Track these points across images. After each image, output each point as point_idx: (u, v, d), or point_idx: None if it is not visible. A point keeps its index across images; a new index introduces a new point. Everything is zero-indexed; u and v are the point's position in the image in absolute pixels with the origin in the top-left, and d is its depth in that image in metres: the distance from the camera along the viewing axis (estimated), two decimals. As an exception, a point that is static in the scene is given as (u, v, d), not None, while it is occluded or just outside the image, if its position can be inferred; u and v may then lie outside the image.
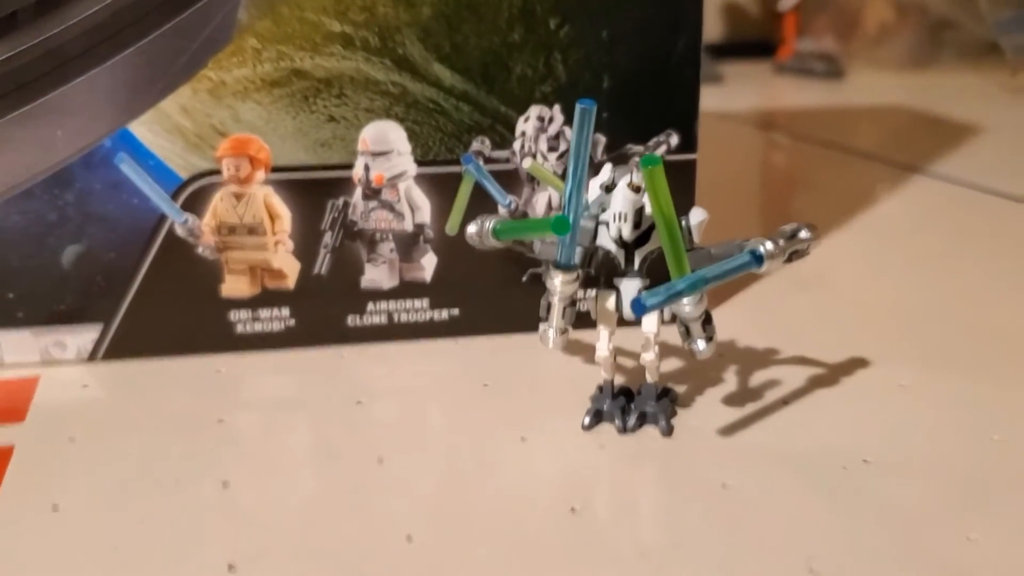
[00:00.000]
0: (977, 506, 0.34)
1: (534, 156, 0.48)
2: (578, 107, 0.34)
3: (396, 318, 0.49)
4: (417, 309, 0.49)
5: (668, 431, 0.40)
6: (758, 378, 0.45)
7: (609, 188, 0.38)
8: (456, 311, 0.49)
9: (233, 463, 0.38)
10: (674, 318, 0.38)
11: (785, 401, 0.42)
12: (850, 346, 0.48)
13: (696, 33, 0.47)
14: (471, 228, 0.40)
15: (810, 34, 1.62)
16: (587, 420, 0.40)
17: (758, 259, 0.36)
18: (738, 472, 0.37)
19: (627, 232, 0.38)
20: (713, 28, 1.76)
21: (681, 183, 0.49)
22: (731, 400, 0.42)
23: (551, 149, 0.48)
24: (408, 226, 0.48)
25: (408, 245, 0.48)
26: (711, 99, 1.39)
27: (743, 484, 0.36)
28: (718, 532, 0.33)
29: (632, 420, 0.40)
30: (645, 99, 0.48)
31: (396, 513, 0.34)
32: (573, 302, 0.38)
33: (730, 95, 1.45)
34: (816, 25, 1.62)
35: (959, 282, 0.59)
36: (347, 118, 0.46)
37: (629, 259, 0.39)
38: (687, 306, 0.36)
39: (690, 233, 0.38)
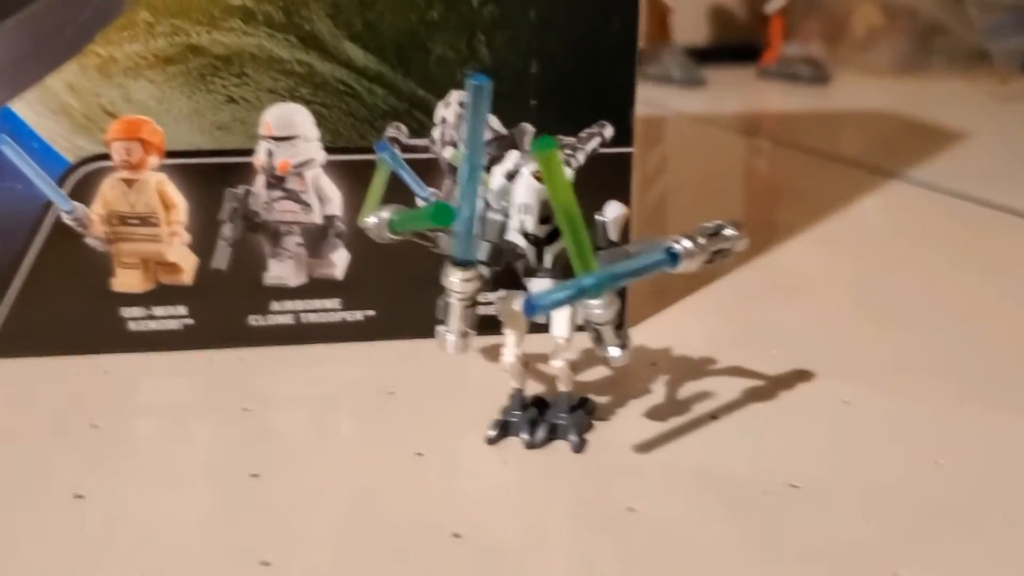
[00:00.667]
0: (910, 539, 0.30)
1: (455, 145, 0.44)
2: (470, 83, 0.30)
3: (304, 319, 0.45)
4: (327, 309, 0.45)
5: (579, 447, 0.36)
6: (689, 390, 0.41)
7: (512, 177, 0.34)
8: (371, 312, 0.45)
9: (91, 475, 0.34)
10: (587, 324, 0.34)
11: (714, 416, 0.39)
12: (798, 358, 0.44)
13: (632, 15, 0.44)
14: (370, 220, 0.36)
15: (797, 38, 1.58)
16: (492, 433, 0.36)
17: (673, 257, 0.32)
18: (648, 495, 0.33)
19: (531, 225, 0.34)
20: (698, 31, 1.72)
21: (616, 178, 0.45)
22: (656, 414, 0.39)
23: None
24: (316, 218, 0.44)
25: (317, 239, 0.44)
26: (694, 103, 1.37)
27: (651, 509, 0.32)
28: (616, 562, 0.29)
29: (541, 433, 0.36)
30: (577, 87, 0.44)
31: (254, 536, 0.31)
32: (474, 302, 0.35)
33: (713, 99, 1.42)
34: (803, 29, 1.58)
35: (931, 294, 0.55)
36: (248, 99, 0.42)
37: (540, 257, 0.35)
38: (596, 308, 0.33)
39: (605, 230, 0.35)
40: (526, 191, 0.33)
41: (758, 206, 0.84)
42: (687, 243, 0.32)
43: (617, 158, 0.45)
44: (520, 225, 0.34)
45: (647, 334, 0.47)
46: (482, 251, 0.35)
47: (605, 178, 0.44)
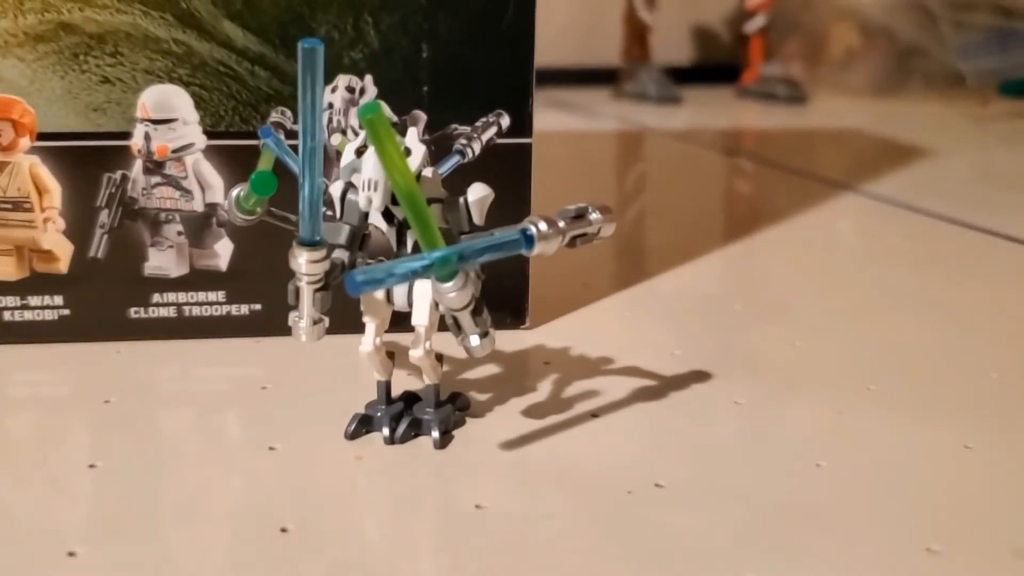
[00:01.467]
0: (771, 541, 0.28)
1: (344, 132, 0.42)
2: (301, 47, 0.28)
3: (187, 312, 0.43)
4: (211, 302, 0.43)
5: (441, 444, 0.34)
6: (576, 389, 0.39)
7: (361, 152, 0.32)
8: (257, 306, 0.44)
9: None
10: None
11: (595, 415, 0.36)
12: (699, 362, 0.42)
13: (528, -2, 0.42)
14: (224, 201, 0.34)
15: (776, 58, 1.57)
16: (351, 428, 0.34)
17: (528, 239, 0.30)
18: (500, 493, 0.31)
19: (378, 202, 0.32)
20: (677, 50, 1.71)
21: (514, 170, 0.43)
22: (534, 412, 0.37)
23: (362, 127, 0.42)
24: (198, 206, 0.42)
25: (199, 228, 0.42)
26: (672, 121, 1.35)
27: (500, 507, 0.30)
28: (451, 558, 0.27)
29: (401, 428, 0.34)
30: (472, 73, 0.42)
31: (71, 525, 0.28)
32: (326, 285, 0.33)
33: (691, 117, 1.40)
34: (782, 49, 1.57)
35: (858, 300, 0.53)
36: (123, 80, 0.40)
37: (401, 240, 0.33)
38: (449, 292, 0.31)
39: (468, 212, 0.33)
40: (374, 167, 0.32)
41: (734, 222, 0.83)
42: (543, 225, 0.30)
43: (515, 148, 0.43)
44: (367, 202, 0.32)
45: (550, 335, 0.45)
46: (341, 234, 0.33)
47: (503, 169, 0.43)
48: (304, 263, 0.31)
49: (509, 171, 0.43)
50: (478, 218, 0.33)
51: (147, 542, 0.28)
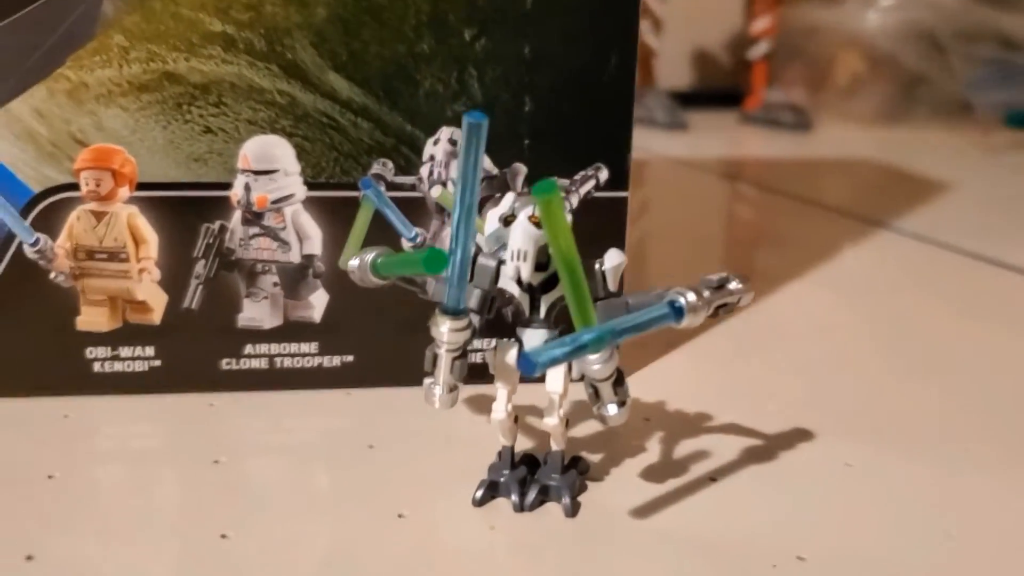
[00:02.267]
0: (930, 621, 0.28)
1: (444, 184, 0.42)
2: (466, 121, 0.28)
3: (279, 363, 0.42)
4: (303, 354, 0.43)
5: (572, 511, 0.34)
6: (685, 449, 0.39)
7: (508, 221, 0.32)
8: (349, 358, 0.43)
9: (45, 531, 0.32)
10: (583, 376, 0.32)
11: (713, 478, 0.36)
12: (795, 416, 0.42)
13: (631, 52, 0.42)
14: (353, 262, 0.34)
15: (780, 84, 1.58)
16: (479, 494, 0.34)
17: (677, 312, 0.30)
18: (647, 567, 0.30)
19: (526, 273, 0.32)
20: (681, 75, 1.72)
21: (610, 223, 0.43)
22: (651, 474, 0.36)
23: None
24: (295, 257, 0.42)
25: (294, 279, 0.42)
26: (676, 146, 1.36)
27: (652, 584, 0.30)
28: (613, 645, 0.27)
29: (532, 496, 0.34)
30: (572, 126, 0.42)
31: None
32: (464, 353, 0.32)
33: (696, 143, 1.41)
34: (786, 76, 1.58)
35: (921, 347, 0.53)
36: (226, 130, 0.40)
37: (534, 306, 0.33)
38: (595, 364, 0.30)
39: (604, 279, 0.32)
40: (523, 237, 0.31)
41: (740, 251, 0.83)
42: (692, 296, 0.30)
43: (612, 202, 0.43)
44: (515, 272, 0.32)
45: (638, 386, 0.44)
46: (473, 298, 0.32)
47: (599, 222, 0.43)
48: (447, 332, 0.31)
49: (605, 223, 0.43)
50: (613, 285, 0.33)
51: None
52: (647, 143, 1.33)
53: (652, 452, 0.38)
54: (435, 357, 0.32)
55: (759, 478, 0.37)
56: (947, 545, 0.32)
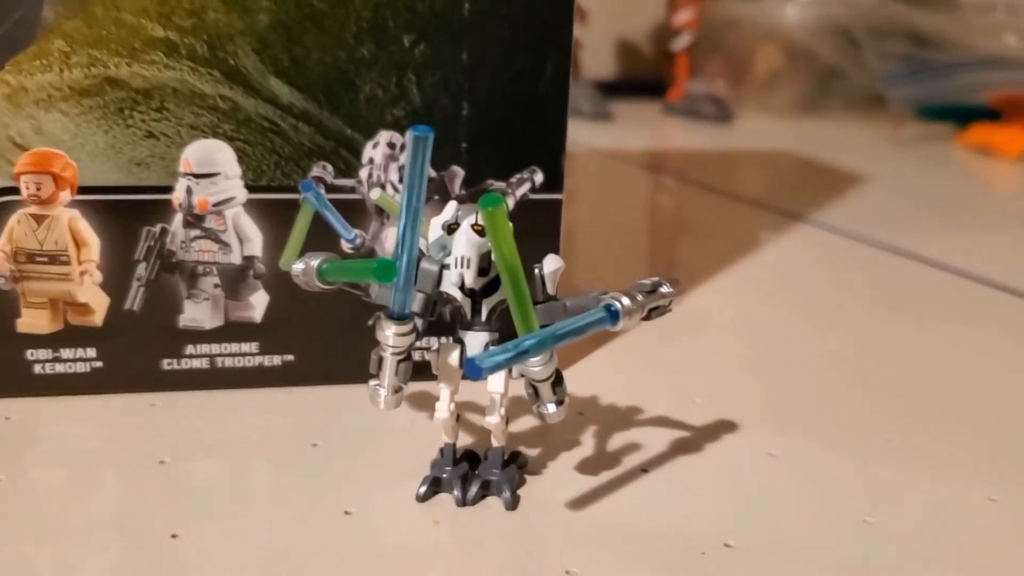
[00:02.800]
0: (846, 602, 0.30)
1: (383, 187, 0.43)
2: (411, 134, 0.29)
3: (220, 363, 0.43)
4: (245, 353, 0.43)
5: (512, 504, 0.35)
6: (618, 441, 0.40)
7: (452, 228, 0.33)
8: (290, 357, 0.44)
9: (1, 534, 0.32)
10: (521, 375, 0.34)
11: (644, 470, 0.38)
12: (721, 407, 0.44)
13: (564, 59, 0.43)
14: (296, 266, 0.35)
15: (701, 76, 1.61)
16: (422, 490, 0.35)
17: (613, 315, 0.32)
18: (585, 556, 0.32)
19: (470, 279, 0.33)
20: (606, 65, 1.75)
21: (545, 225, 0.45)
22: (586, 467, 0.38)
23: (403, 179, 0.43)
24: (236, 259, 0.42)
25: (235, 280, 0.43)
26: (601, 138, 1.38)
27: (590, 572, 0.31)
28: (555, 632, 0.28)
29: (473, 490, 0.35)
30: (508, 130, 0.43)
31: None
32: (408, 356, 0.34)
33: (620, 135, 1.44)
34: (707, 68, 1.62)
35: (838, 338, 0.56)
36: (168, 135, 0.40)
37: (476, 309, 0.35)
38: (535, 366, 0.32)
39: (543, 283, 0.34)
40: (466, 244, 0.33)
41: (663, 244, 0.85)
42: (626, 301, 0.32)
43: (547, 204, 0.45)
44: (459, 279, 0.33)
45: (572, 381, 0.46)
46: (416, 302, 0.34)
47: (535, 223, 0.44)
48: (392, 336, 0.32)
49: (541, 224, 0.45)
50: (551, 288, 0.34)
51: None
52: (573, 134, 1.35)
53: (587, 446, 0.40)
54: (380, 360, 0.33)
55: (687, 469, 0.39)
56: (864, 530, 0.35)
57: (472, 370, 0.28)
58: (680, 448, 0.40)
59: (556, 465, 0.38)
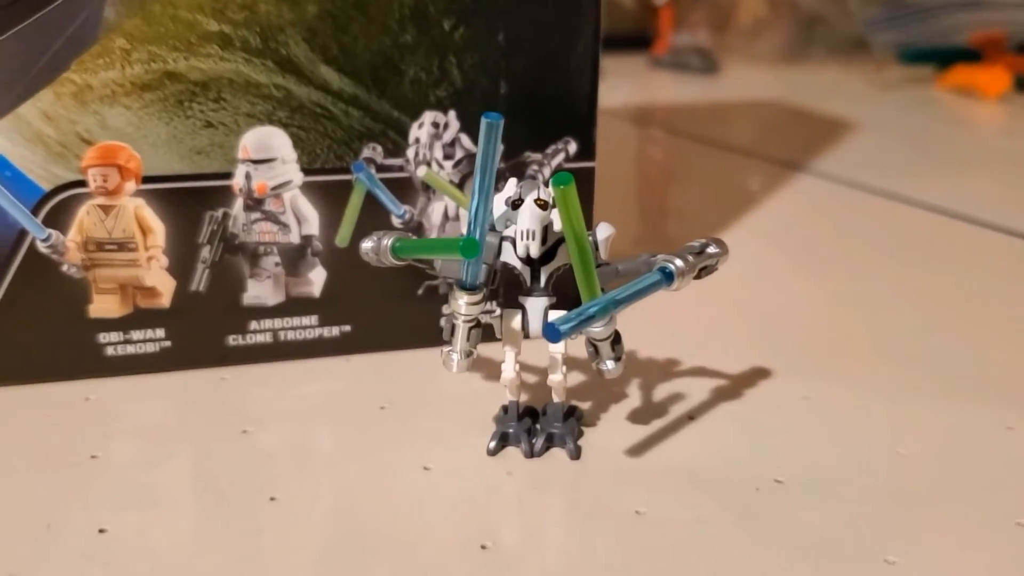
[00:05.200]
0: (891, 526, 0.34)
1: (429, 164, 0.45)
2: (484, 121, 0.32)
3: (282, 336, 0.46)
4: (305, 327, 0.46)
5: (576, 454, 0.38)
6: (661, 392, 0.43)
7: (516, 204, 0.36)
8: (347, 327, 0.47)
9: (109, 505, 0.35)
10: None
11: (691, 416, 0.41)
12: (751, 356, 0.47)
13: (595, 37, 0.46)
14: (366, 244, 0.37)
15: (685, 28, 1.63)
16: (492, 445, 0.38)
17: (668, 277, 0.34)
18: (650, 497, 0.35)
19: (535, 250, 0.36)
20: (590, 21, 1.76)
21: (580, 192, 0.47)
22: (636, 417, 0.41)
23: (447, 157, 0.45)
24: (294, 238, 0.45)
25: (295, 259, 0.45)
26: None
27: (657, 511, 0.34)
28: (636, 564, 0.31)
29: (539, 443, 0.38)
30: (543, 105, 0.46)
31: (292, 557, 0.32)
32: (478, 323, 0.36)
33: (607, 90, 1.45)
34: (691, 19, 1.63)
35: (841, 283, 0.59)
36: (226, 124, 0.43)
37: (535, 276, 0.37)
38: (597, 327, 0.35)
39: (596, 249, 0.37)
40: (531, 218, 0.35)
41: (654, 196, 0.88)
42: (679, 262, 0.35)
43: (581, 172, 0.47)
44: (525, 250, 0.36)
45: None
46: (481, 273, 0.36)
47: (569, 191, 0.47)
48: (464, 305, 0.35)
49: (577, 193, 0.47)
50: (604, 254, 0.37)
51: (376, 574, 0.31)
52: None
53: (633, 398, 0.43)
54: (452, 327, 0.36)
55: (731, 414, 0.42)
56: (898, 461, 0.38)
57: (552, 333, 0.31)
58: (720, 395, 0.43)
59: (608, 417, 0.41)
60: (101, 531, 0.33)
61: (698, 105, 1.34)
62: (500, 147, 0.32)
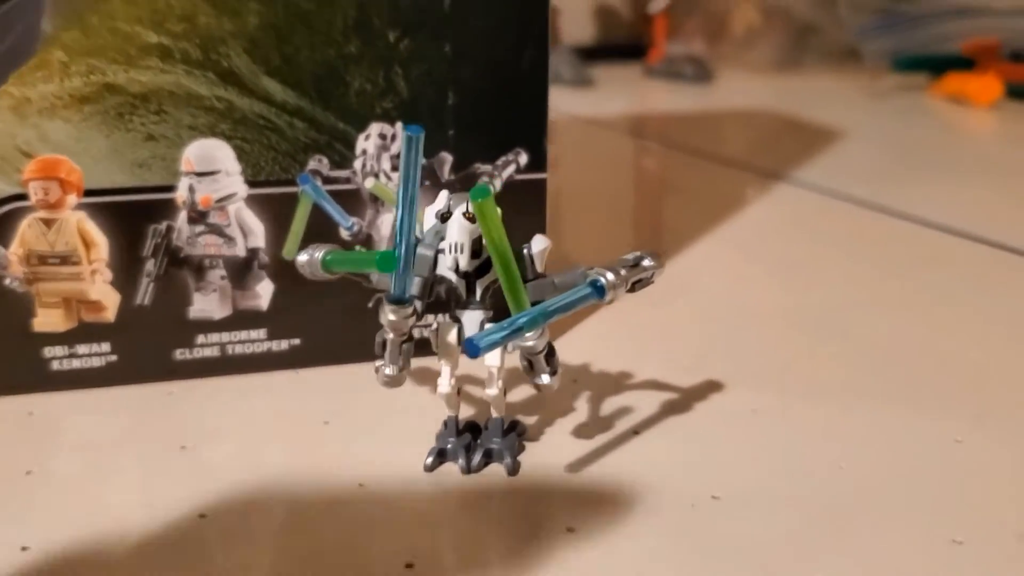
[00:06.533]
0: (823, 543, 0.33)
1: (376, 176, 0.45)
2: (404, 134, 0.31)
3: (230, 350, 0.45)
4: (253, 340, 0.46)
5: (514, 470, 0.38)
6: (610, 406, 0.43)
7: (445, 217, 0.35)
8: (296, 341, 0.46)
9: (37, 523, 0.34)
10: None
11: (636, 431, 0.41)
12: (706, 367, 0.47)
13: (543, 47, 0.45)
14: (301, 257, 0.37)
15: (679, 37, 1.63)
16: (429, 461, 0.38)
17: (599, 290, 0.34)
18: (585, 514, 0.35)
19: (464, 263, 0.35)
20: (584, 30, 1.76)
21: (531, 203, 0.47)
22: (581, 432, 0.41)
23: (395, 168, 0.45)
24: (240, 251, 0.44)
25: (241, 271, 0.45)
26: (582, 103, 1.39)
27: (590, 529, 0.34)
28: (559, 585, 0.31)
29: (477, 459, 0.38)
30: (492, 116, 0.46)
31: (219, 574, 0.31)
32: (410, 337, 0.36)
33: (601, 99, 1.45)
34: (685, 28, 1.63)
35: (811, 295, 0.58)
36: (168, 136, 0.42)
37: (470, 289, 0.37)
38: (529, 340, 0.34)
39: (532, 262, 0.36)
40: (459, 231, 0.35)
41: (646, 208, 0.88)
42: (611, 276, 0.34)
43: (532, 183, 0.47)
44: (454, 263, 0.35)
45: (565, 349, 0.48)
46: (414, 285, 0.36)
47: (521, 202, 0.46)
48: (393, 319, 0.35)
49: (527, 203, 0.47)
50: (540, 266, 0.36)
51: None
52: (554, 102, 1.36)
53: (580, 412, 0.42)
54: (384, 342, 0.36)
55: (677, 429, 0.41)
56: (839, 475, 0.37)
57: (471, 348, 0.30)
58: (669, 409, 0.43)
59: (553, 431, 0.41)
60: (24, 548, 0.33)
61: (691, 115, 1.33)
62: (422, 159, 0.32)
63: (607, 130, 1.21)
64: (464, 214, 0.35)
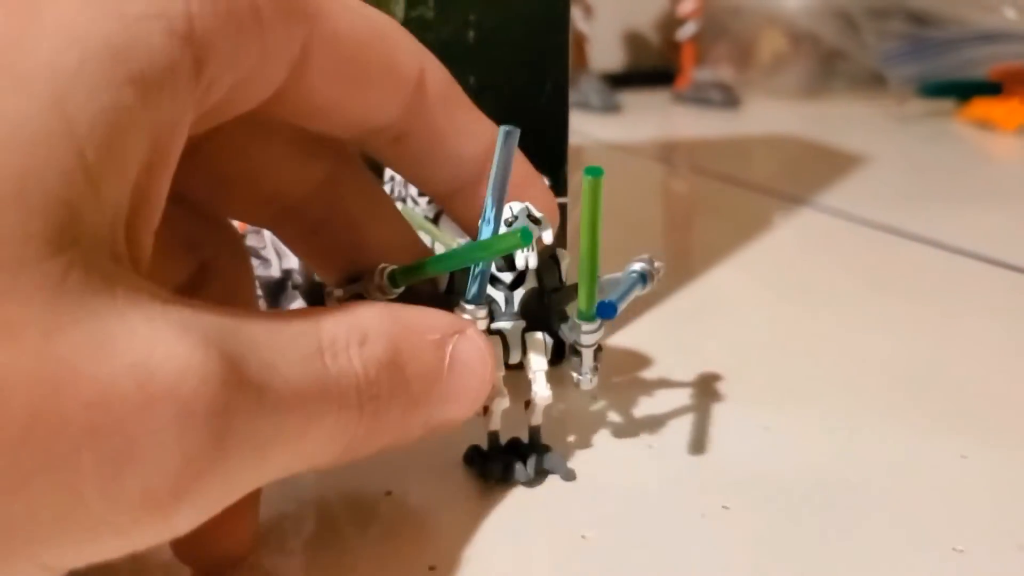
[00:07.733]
0: (831, 550, 0.35)
1: (404, 201, 0.47)
2: (502, 128, 0.33)
3: (265, 366, 0.48)
4: (287, 357, 0.48)
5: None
6: (624, 417, 0.45)
7: (510, 223, 0.37)
8: (328, 358, 0.48)
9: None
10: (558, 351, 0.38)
11: (650, 446, 0.42)
12: (722, 385, 0.48)
13: (563, 77, 0.47)
14: (338, 292, 0.38)
15: (707, 63, 1.65)
16: (496, 473, 0.39)
17: (643, 278, 0.37)
18: (599, 522, 0.36)
19: (534, 260, 0.36)
20: (613, 57, 1.78)
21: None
22: (593, 442, 0.43)
23: (421, 194, 0.47)
24: (275, 272, 0.47)
25: (275, 291, 0.47)
26: (610, 130, 1.42)
27: (601, 536, 0.36)
28: (573, 587, 0.33)
29: (532, 469, 0.39)
30: (515, 143, 0.48)
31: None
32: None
33: (629, 125, 1.47)
34: (713, 54, 1.65)
35: (830, 317, 0.60)
36: (209, 164, 0.45)
37: (508, 300, 0.39)
38: (590, 332, 0.36)
39: (560, 269, 0.39)
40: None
41: (675, 234, 0.89)
42: (657, 264, 0.37)
43: (554, 208, 0.49)
44: (524, 261, 0.36)
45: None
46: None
47: (543, 226, 0.48)
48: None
49: (548, 228, 0.49)
50: (566, 276, 0.39)
51: (321, 587, 0.33)
52: (583, 127, 1.39)
53: (596, 421, 0.44)
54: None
55: (688, 442, 0.43)
56: (846, 488, 0.39)
57: (608, 310, 0.34)
58: (683, 423, 0.44)
59: (569, 441, 0.43)
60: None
61: (719, 140, 1.35)
62: (513, 158, 0.34)
63: (635, 156, 1.23)
64: (529, 216, 0.36)
